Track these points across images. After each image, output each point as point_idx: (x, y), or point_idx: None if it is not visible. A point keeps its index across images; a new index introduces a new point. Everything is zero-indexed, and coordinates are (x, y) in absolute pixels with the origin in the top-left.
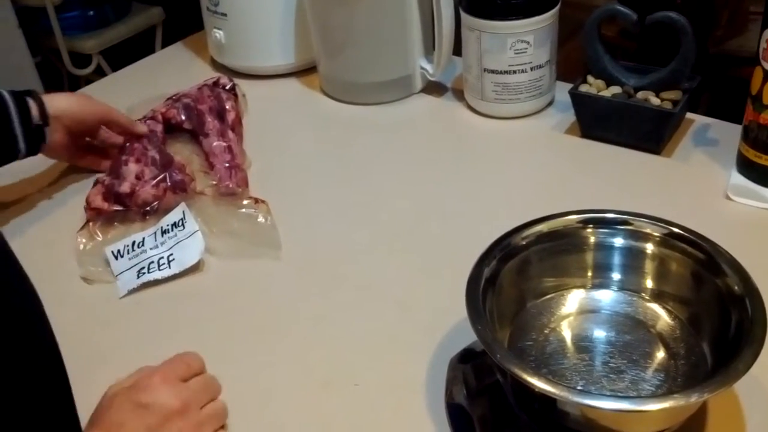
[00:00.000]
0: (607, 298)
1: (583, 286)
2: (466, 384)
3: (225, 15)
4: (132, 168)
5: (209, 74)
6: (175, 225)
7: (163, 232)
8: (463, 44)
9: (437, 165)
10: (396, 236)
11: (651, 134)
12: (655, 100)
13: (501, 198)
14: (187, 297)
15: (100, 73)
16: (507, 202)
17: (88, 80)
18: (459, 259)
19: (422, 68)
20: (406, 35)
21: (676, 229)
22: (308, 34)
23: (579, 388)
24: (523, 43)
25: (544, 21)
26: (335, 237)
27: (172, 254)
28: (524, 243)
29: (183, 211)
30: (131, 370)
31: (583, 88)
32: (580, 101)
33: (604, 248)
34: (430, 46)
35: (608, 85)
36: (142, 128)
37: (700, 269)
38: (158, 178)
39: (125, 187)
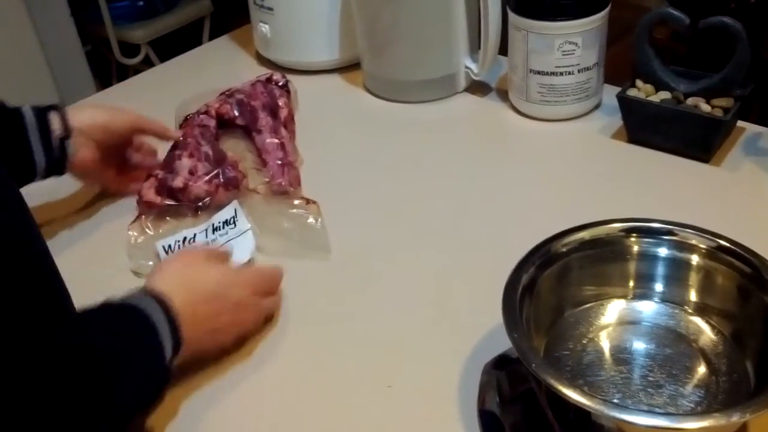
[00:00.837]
0: (648, 309)
1: (624, 297)
2: (500, 391)
3: (271, 9)
4: (185, 163)
5: (254, 68)
6: (226, 222)
7: (215, 230)
8: (509, 44)
9: (479, 166)
10: (436, 236)
11: (700, 142)
12: (705, 107)
13: (544, 202)
14: None
15: (148, 63)
16: (549, 206)
17: (137, 70)
18: (498, 261)
19: (467, 67)
20: (451, 33)
21: (723, 242)
22: (353, 31)
23: (615, 401)
24: (570, 44)
25: (594, 22)
26: (375, 235)
27: None
28: (565, 250)
29: (235, 209)
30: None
31: (632, 93)
32: (628, 106)
33: (648, 258)
34: (475, 45)
35: (657, 89)
36: (176, 133)
37: (746, 284)
38: (211, 174)
39: (178, 182)
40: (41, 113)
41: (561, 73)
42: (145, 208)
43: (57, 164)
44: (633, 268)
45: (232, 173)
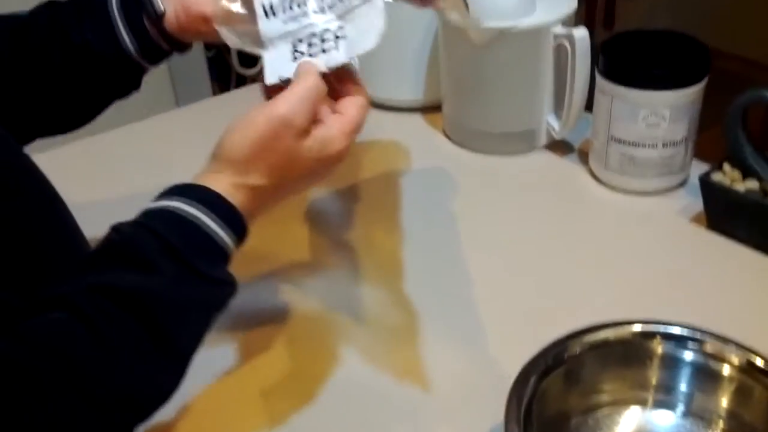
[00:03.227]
0: (668, 422)
1: (643, 404)
2: None
3: None
4: None
5: None
6: None
7: None
8: (594, 106)
9: (544, 229)
10: (481, 295)
11: None
12: None
13: (601, 279)
14: None
15: None
16: (606, 285)
17: (254, 79)
18: (537, 336)
19: (549, 124)
20: (536, 88)
21: (758, 358)
22: (438, 73)
23: None
24: (656, 116)
25: (684, 97)
26: (420, 282)
27: (342, 28)
28: (579, 351)
29: None
30: None
31: (716, 177)
32: (709, 190)
33: (672, 365)
34: (560, 102)
35: (745, 177)
36: None
37: None
38: None
39: None
40: None
41: (644, 145)
42: None
43: (149, 35)
44: (655, 375)
45: None
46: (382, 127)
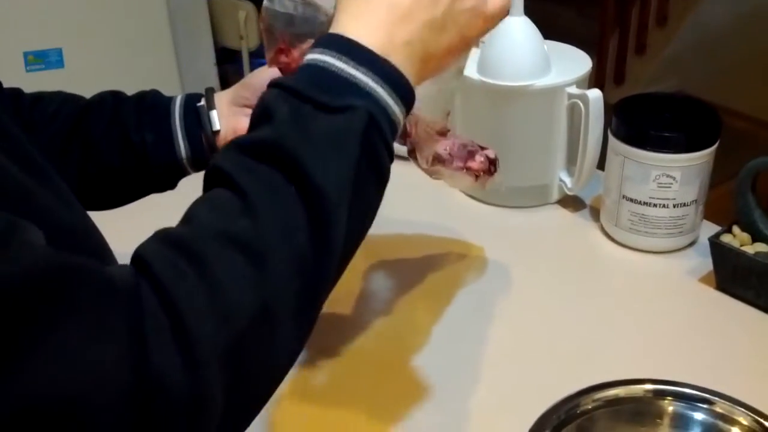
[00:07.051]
0: None
1: None
2: None
3: None
4: None
5: None
6: None
7: None
8: (606, 165)
9: (554, 285)
10: (490, 353)
11: None
12: None
13: (607, 338)
14: None
15: None
16: (612, 344)
17: None
18: (540, 396)
19: (561, 180)
20: (550, 145)
21: (765, 422)
22: (454, 125)
23: None
24: (668, 177)
25: (695, 160)
26: (428, 341)
27: None
28: (591, 406)
29: None
30: None
31: (726, 239)
32: (719, 252)
33: (682, 425)
34: (573, 159)
35: (754, 240)
36: None
37: None
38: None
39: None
40: (190, 100)
41: (655, 205)
42: None
43: (202, 147)
44: None
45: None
46: (397, 176)
